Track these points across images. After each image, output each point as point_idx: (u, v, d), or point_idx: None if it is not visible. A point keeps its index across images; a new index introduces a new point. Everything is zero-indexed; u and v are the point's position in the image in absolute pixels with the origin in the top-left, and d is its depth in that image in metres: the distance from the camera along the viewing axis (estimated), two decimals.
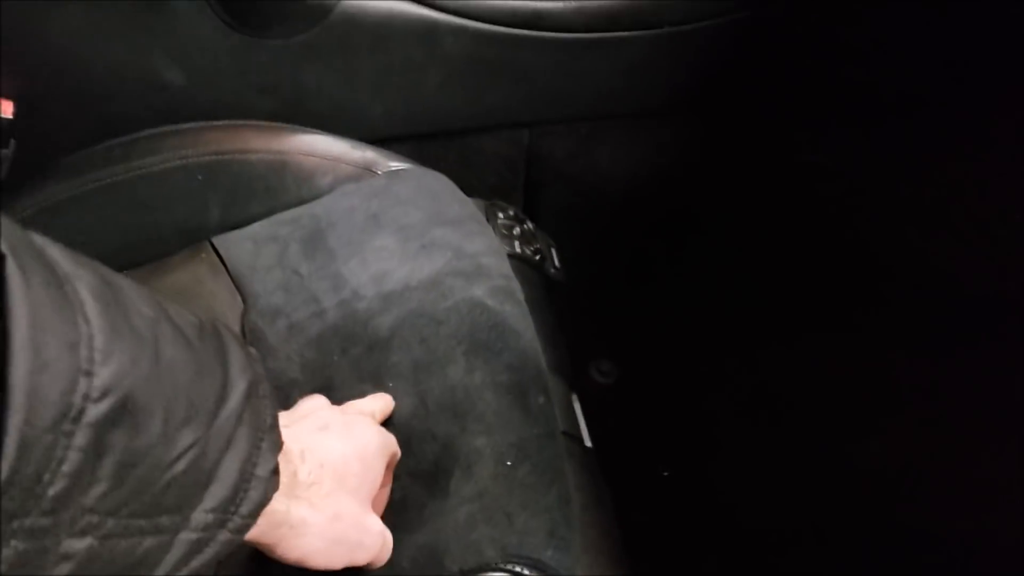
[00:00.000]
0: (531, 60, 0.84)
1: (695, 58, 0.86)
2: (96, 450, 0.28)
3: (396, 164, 0.75)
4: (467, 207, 0.73)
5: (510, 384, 0.58)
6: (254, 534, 0.38)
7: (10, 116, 0.76)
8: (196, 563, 0.34)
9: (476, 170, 0.92)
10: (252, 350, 0.40)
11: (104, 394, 0.28)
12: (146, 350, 0.30)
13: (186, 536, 0.33)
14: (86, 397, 0.27)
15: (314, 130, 0.77)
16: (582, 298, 0.97)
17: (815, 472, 0.88)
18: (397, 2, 0.78)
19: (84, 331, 0.28)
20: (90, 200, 0.72)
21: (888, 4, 0.83)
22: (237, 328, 0.64)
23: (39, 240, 0.30)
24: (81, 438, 0.27)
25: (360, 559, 0.46)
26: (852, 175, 0.94)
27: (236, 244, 0.70)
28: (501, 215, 0.82)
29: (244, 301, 0.66)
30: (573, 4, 0.82)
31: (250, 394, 0.36)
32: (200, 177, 0.72)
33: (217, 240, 0.71)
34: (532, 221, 0.87)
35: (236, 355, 0.37)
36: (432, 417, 0.55)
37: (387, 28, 0.78)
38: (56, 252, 0.30)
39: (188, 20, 0.75)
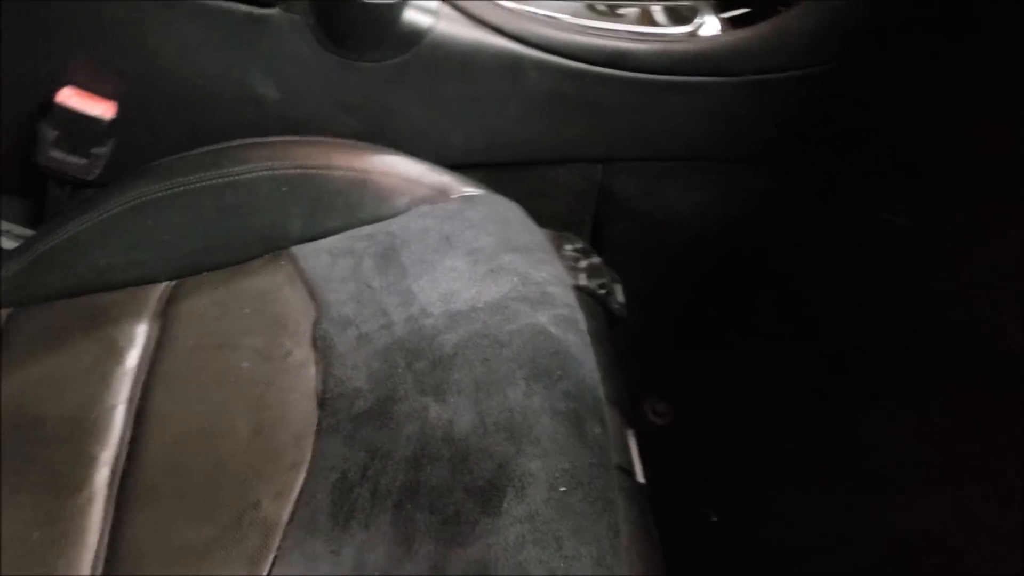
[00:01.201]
0: (611, 98, 0.86)
1: (775, 107, 0.86)
2: None
3: (470, 190, 0.77)
4: (536, 236, 0.75)
5: (567, 411, 0.59)
6: None
7: (110, 118, 0.80)
8: None
9: (547, 201, 0.94)
10: None
11: None
12: None
13: None
14: None
15: (395, 151, 0.79)
16: (643, 336, 0.97)
17: (865, 533, 0.86)
18: (486, 34, 0.80)
19: None
20: (179, 202, 0.75)
21: (981, 74, 0.82)
22: (309, 334, 0.66)
23: None
24: None
25: None
26: (933, 236, 0.93)
27: (314, 255, 0.73)
28: (569, 247, 0.83)
29: (317, 309, 0.68)
30: (656, 46, 0.84)
31: None
32: (284, 189, 0.75)
33: (296, 249, 0.73)
34: (599, 255, 0.89)
35: None
36: (490, 436, 0.56)
37: (474, 58, 0.81)
38: None
39: (287, 39, 0.78)
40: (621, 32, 0.86)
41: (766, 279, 1.00)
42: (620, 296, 0.86)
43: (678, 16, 0.91)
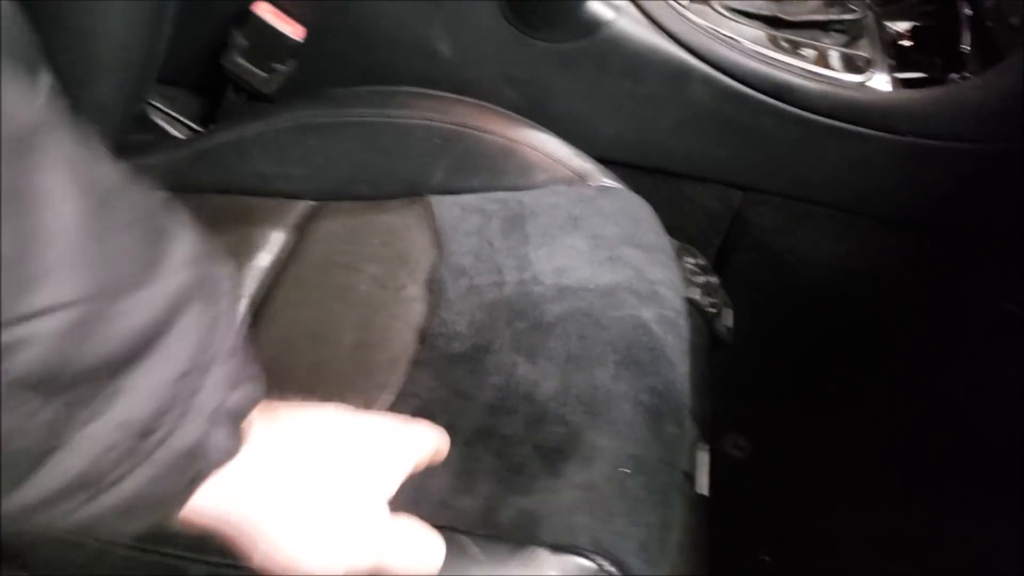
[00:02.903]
0: (767, 128, 0.86)
1: (929, 173, 0.85)
2: None
3: (608, 182, 0.79)
4: (661, 239, 0.76)
5: (649, 405, 0.60)
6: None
7: (299, 40, 0.86)
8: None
9: (681, 215, 0.95)
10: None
11: None
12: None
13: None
14: None
15: (546, 130, 0.82)
16: (740, 368, 0.97)
17: None
18: (661, 39, 0.82)
19: None
20: (341, 131, 0.81)
21: None
22: (426, 275, 0.70)
23: None
24: None
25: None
26: None
27: (448, 206, 0.76)
28: (691, 260, 0.84)
29: (438, 254, 0.72)
30: (823, 88, 0.84)
31: (190, 296, 0.30)
32: (438, 140, 0.80)
33: (433, 198, 0.77)
34: (718, 277, 0.89)
35: (187, 244, 0.32)
36: (569, 405, 0.58)
37: (644, 59, 0.83)
38: None
39: (475, 5, 0.82)
40: (793, 67, 0.86)
41: (878, 346, 0.98)
42: (729, 321, 0.86)
43: (852, 65, 0.91)
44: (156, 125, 0.98)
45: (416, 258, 0.72)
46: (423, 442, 0.43)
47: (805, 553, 0.90)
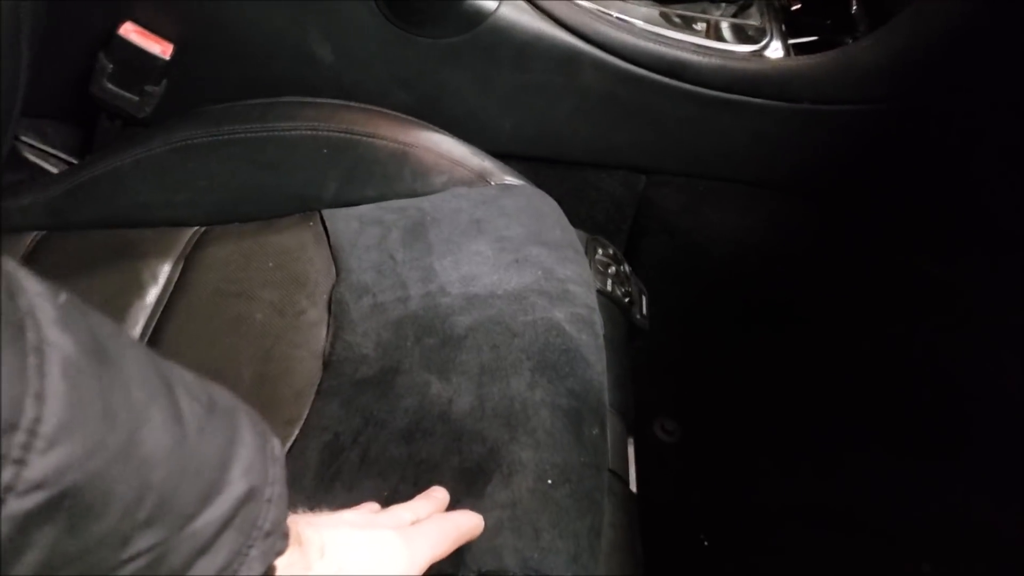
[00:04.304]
0: (664, 108, 0.85)
1: (829, 139, 0.85)
2: (14, 545, 0.24)
3: (510, 179, 0.77)
4: (568, 234, 0.74)
5: (568, 409, 0.58)
6: None
7: (167, 58, 0.81)
8: None
9: (586, 204, 0.93)
10: (276, 443, 0.36)
11: (35, 487, 0.24)
12: (115, 439, 0.26)
13: None
14: (8, 489, 0.23)
15: (441, 130, 0.79)
16: (662, 354, 0.96)
17: None
18: (547, 25, 0.80)
19: (31, 413, 0.24)
20: (221, 149, 0.76)
21: None
22: (326, 296, 0.66)
23: (36, 292, 0.26)
24: None
25: None
26: (972, 297, 0.90)
27: (343, 220, 0.73)
28: (600, 251, 0.82)
29: (337, 273, 0.68)
30: (717, 62, 0.83)
31: (248, 498, 0.32)
32: (326, 151, 0.76)
33: (327, 213, 0.74)
34: (630, 265, 0.88)
35: (247, 448, 0.33)
36: (486, 420, 0.56)
37: (533, 48, 0.80)
38: (47, 311, 0.26)
39: (350, 4, 0.79)
40: (685, 43, 0.85)
41: (794, 314, 0.99)
42: (644, 308, 0.85)
43: (745, 36, 0.90)
44: (28, 161, 0.91)
45: (314, 279, 0.69)
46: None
47: (742, 531, 0.90)
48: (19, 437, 0.23)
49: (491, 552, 0.49)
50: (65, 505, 0.25)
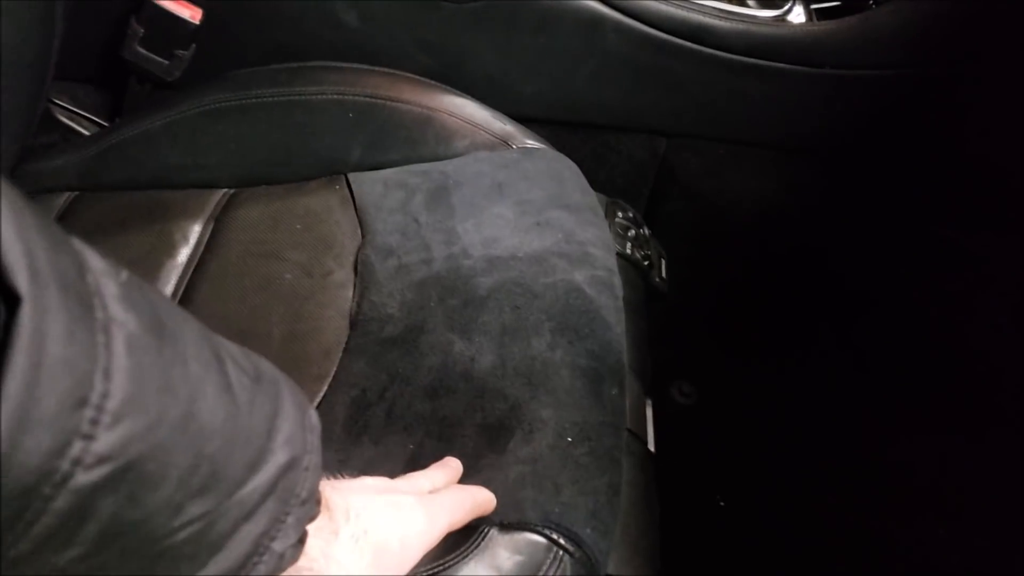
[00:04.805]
0: (686, 72, 0.85)
1: (850, 103, 0.85)
2: (78, 515, 0.25)
3: (532, 142, 0.78)
4: (588, 197, 0.75)
5: (587, 368, 0.60)
6: None
7: (197, 23, 0.82)
8: None
9: (607, 167, 0.94)
10: (313, 414, 0.37)
11: (101, 461, 0.25)
12: (175, 412, 0.28)
13: None
14: (76, 462, 0.24)
15: (463, 94, 0.80)
16: (681, 317, 0.97)
17: (868, 545, 0.86)
18: None
19: (99, 389, 0.25)
20: (250, 113, 0.77)
21: None
22: (352, 258, 0.68)
23: (100, 270, 0.27)
24: (62, 502, 0.24)
25: None
26: (985, 263, 0.91)
27: (368, 183, 0.74)
28: (620, 214, 0.84)
29: (363, 236, 0.70)
30: (741, 26, 0.83)
31: (289, 467, 0.33)
32: (351, 115, 0.77)
33: (353, 176, 0.75)
34: (650, 228, 0.89)
35: (289, 419, 0.34)
36: (508, 378, 0.58)
37: (555, 12, 0.81)
38: (111, 288, 0.27)
39: None
40: (707, 7, 0.85)
41: (813, 278, 0.99)
42: (663, 271, 0.86)
43: (768, 0, 0.90)
44: (61, 123, 0.93)
45: (341, 241, 0.70)
46: (433, 536, 0.45)
47: (758, 493, 0.91)
48: (88, 412, 0.24)
49: (513, 505, 0.51)
50: (128, 477, 0.26)
